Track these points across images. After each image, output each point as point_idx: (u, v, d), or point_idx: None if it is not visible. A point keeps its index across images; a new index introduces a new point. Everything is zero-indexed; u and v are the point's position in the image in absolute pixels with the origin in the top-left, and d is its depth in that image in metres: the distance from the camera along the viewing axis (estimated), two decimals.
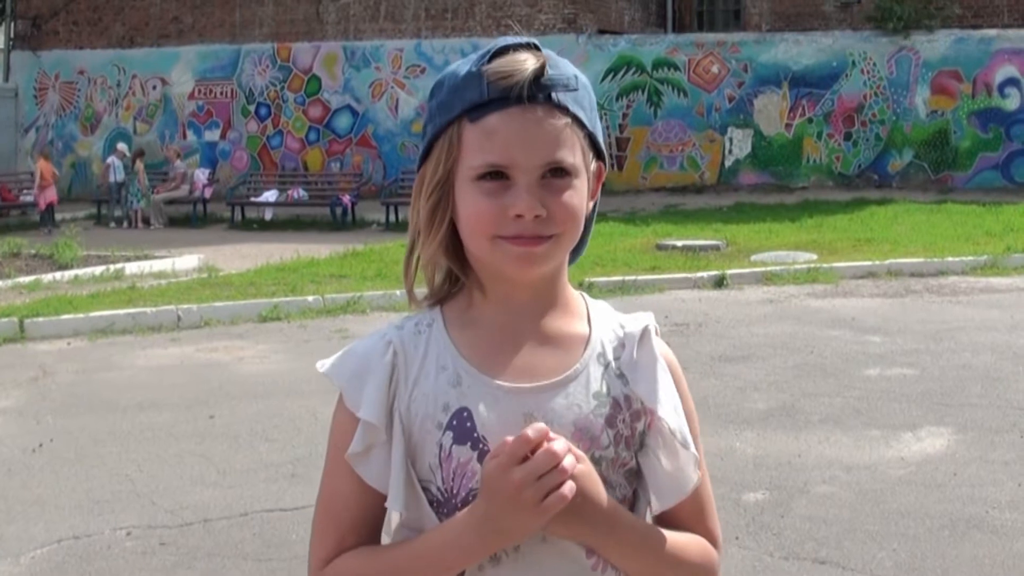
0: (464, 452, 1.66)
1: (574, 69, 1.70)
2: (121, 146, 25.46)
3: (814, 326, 10.81)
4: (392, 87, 27.13)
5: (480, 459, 1.64)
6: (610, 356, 1.74)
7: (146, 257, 16.73)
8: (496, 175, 1.64)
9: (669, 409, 1.72)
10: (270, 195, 24.43)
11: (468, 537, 1.61)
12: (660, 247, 16.44)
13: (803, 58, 24.87)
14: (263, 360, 10.07)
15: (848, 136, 24.66)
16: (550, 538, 1.65)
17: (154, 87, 29.07)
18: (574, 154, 1.67)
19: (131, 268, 15.60)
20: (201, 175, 25.24)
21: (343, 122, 27.53)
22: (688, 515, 1.76)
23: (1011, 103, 23.83)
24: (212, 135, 28.58)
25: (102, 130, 29.33)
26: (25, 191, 25.38)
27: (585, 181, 1.70)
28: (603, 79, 25.31)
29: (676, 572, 1.74)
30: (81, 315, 11.74)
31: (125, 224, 23.63)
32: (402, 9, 27.23)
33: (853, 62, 24.61)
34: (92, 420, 8.10)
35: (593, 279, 13.03)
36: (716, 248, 16.31)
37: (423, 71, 26.49)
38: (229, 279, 14.55)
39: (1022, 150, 23.68)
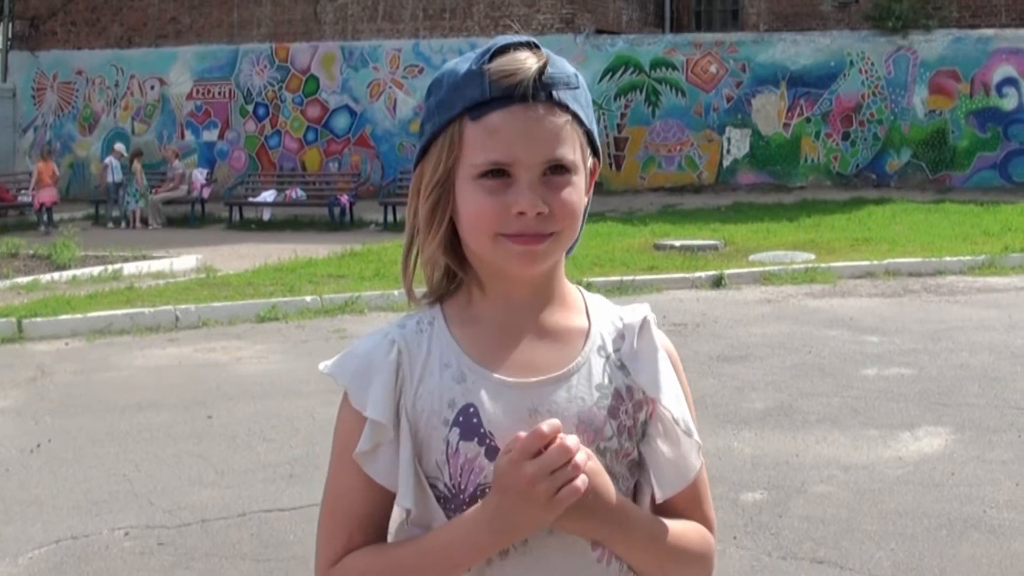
0: (471, 448, 1.67)
1: (572, 67, 1.72)
2: (118, 146, 25.45)
3: (812, 326, 10.82)
4: (390, 87, 27.13)
5: (487, 454, 1.66)
6: (610, 348, 1.76)
7: (144, 257, 16.72)
8: (498, 173, 1.65)
9: (671, 398, 1.74)
10: (268, 195, 24.42)
11: (479, 533, 1.63)
12: (658, 247, 16.44)
13: (801, 58, 24.87)
14: (261, 360, 10.07)
15: (846, 136, 24.67)
16: (557, 531, 1.66)
17: (152, 87, 29.06)
18: (574, 151, 1.69)
19: (129, 268, 15.60)
20: (199, 175, 25.22)
21: (341, 122, 27.53)
22: (687, 502, 1.79)
23: (1009, 103, 23.83)
24: (210, 135, 28.58)
25: (100, 130, 29.33)
26: (23, 191, 25.37)
27: (583, 178, 1.73)
28: (601, 79, 25.31)
29: (679, 561, 1.76)
30: (79, 315, 11.74)
31: (123, 224, 23.63)
32: (400, 9, 27.23)
33: (851, 62, 24.62)
34: (90, 420, 8.10)
35: (591, 279, 13.02)
36: (714, 248, 16.31)
37: (421, 71, 26.49)
38: (227, 279, 14.55)
39: (1020, 150, 23.69)
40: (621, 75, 25.61)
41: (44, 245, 17.38)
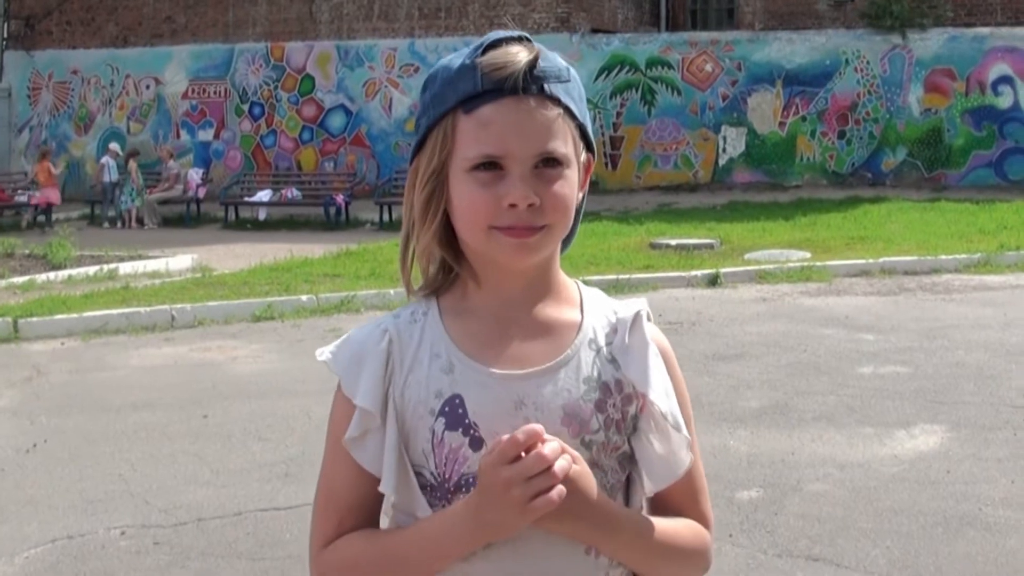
0: (456, 438, 1.69)
1: (564, 62, 1.73)
2: (113, 146, 25.45)
3: (807, 324, 10.82)
4: (386, 86, 27.12)
5: (472, 445, 1.68)
6: (602, 342, 1.77)
7: (140, 257, 16.70)
8: (490, 166, 1.67)
9: (660, 392, 1.74)
10: (264, 195, 24.42)
11: (461, 527, 1.65)
12: (654, 246, 16.44)
13: (796, 56, 24.88)
14: (257, 360, 10.07)
15: (842, 134, 24.67)
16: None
17: (147, 87, 29.05)
18: (566, 144, 1.70)
19: (125, 268, 15.59)
20: (195, 175, 25.21)
21: (337, 121, 27.52)
22: (681, 498, 1.79)
23: (1004, 101, 23.84)
24: (206, 135, 28.56)
25: (96, 130, 29.31)
26: (20, 191, 25.36)
27: (576, 171, 1.74)
28: (597, 78, 25.31)
29: (670, 558, 1.77)
30: (75, 315, 11.73)
31: (119, 224, 23.61)
32: (395, 8, 27.22)
33: (846, 60, 24.63)
34: (86, 420, 8.09)
35: (587, 278, 13.01)
36: (710, 247, 16.32)
37: (416, 70, 26.47)
38: (223, 279, 14.54)
39: (1015, 148, 23.70)
40: (617, 74, 25.62)
41: (40, 245, 17.36)
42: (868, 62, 24.54)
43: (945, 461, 6.60)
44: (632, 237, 17.46)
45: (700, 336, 10.37)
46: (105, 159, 24.70)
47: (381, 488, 1.72)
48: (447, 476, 1.70)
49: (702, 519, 1.82)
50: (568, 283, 1.83)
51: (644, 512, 1.79)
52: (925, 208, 20.18)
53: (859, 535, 5.51)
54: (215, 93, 28.48)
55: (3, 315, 11.71)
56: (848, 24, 25.76)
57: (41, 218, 23.55)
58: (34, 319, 11.57)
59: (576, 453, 1.64)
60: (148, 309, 12.03)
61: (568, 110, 1.71)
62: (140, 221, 23.65)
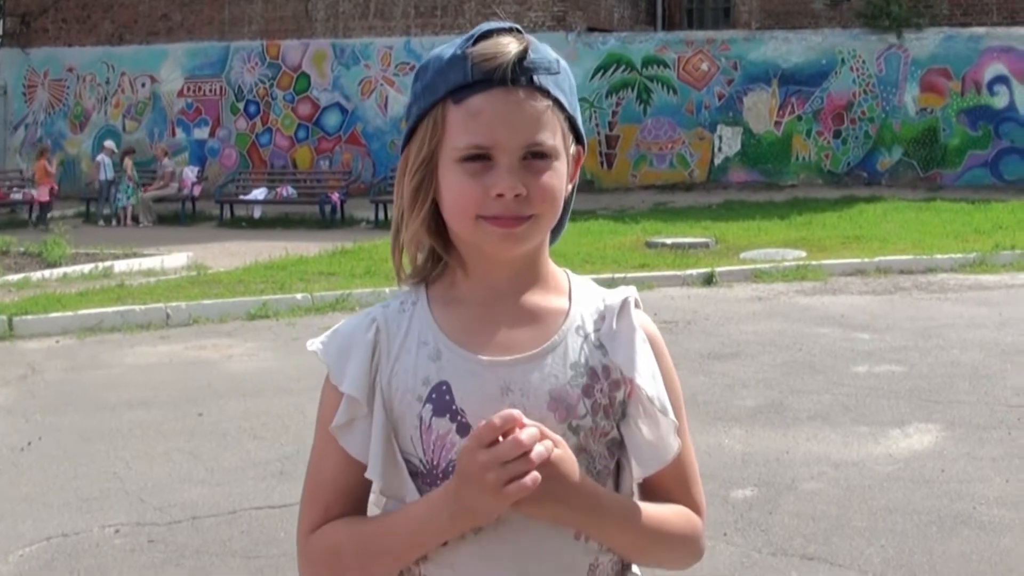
0: (443, 424, 1.71)
1: (555, 54, 1.74)
2: (108, 143, 25.44)
3: (803, 323, 10.83)
4: (381, 85, 27.12)
5: (459, 431, 1.70)
6: (589, 328, 1.78)
7: (135, 255, 16.70)
8: (479, 156, 1.68)
9: (647, 377, 1.75)
10: (259, 193, 24.41)
11: (441, 513, 1.66)
12: (649, 245, 16.45)
13: (792, 56, 24.89)
14: (251, 358, 10.06)
15: (837, 134, 24.69)
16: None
17: (143, 85, 29.03)
18: (554, 136, 1.71)
19: (120, 266, 15.58)
20: (190, 173, 25.22)
21: (332, 120, 27.52)
22: (671, 484, 1.80)
23: (1000, 101, 23.86)
24: (201, 133, 28.56)
25: (91, 128, 29.30)
26: (15, 189, 25.36)
27: (564, 163, 1.74)
28: (592, 77, 25.33)
29: (660, 544, 1.78)
30: (70, 313, 11.72)
31: (114, 222, 23.61)
32: (391, 7, 27.22)
33: (842, 60, 24.64)
34: (81, 418, 8.09)
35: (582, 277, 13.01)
36: (705, 246, 16.32)
37: (412, 69, 26.33)
38: (218, 277, 14.54)
39: (1011, 148, 23.72)
40: (612, 73, 25.62)
41: (35, 243, 17.34)
42: (864, 61, 24.56)
43: (940, 460, 6.61)
44: (628, 236, 17.45)
45: (695, 335, 10.38)
46: (101, 157, 24.70)
47: (367, 474, 1.74)
48: (435, 462, 1.72)
49: (694, 506, 1.82)
50: (557, 272, 1.84)
51: (636, 498, 1.80)
52: (921, 208, 20.19)
53: (854, 534, 5.51)
54: (211, 91, 28.47)
55: None
56: (844, 23, 25.77)
57: (55, 214, 23.57)
58: (29, 317, 11.56)
59: (558, 437, 1.65)
60: (143, 307, 12.02)
61: (557, 102, 1.71)
62: (135, 219, 23.65)
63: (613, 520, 1.72)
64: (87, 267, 15.35)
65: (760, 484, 6.28)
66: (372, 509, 1.81)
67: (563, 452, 1.65)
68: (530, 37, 1.71)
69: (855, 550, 5.31)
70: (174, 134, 28.59)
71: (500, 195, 1.67)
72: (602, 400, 1.74)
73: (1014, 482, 6.21)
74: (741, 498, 6.05)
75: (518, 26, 1.72)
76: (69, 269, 15.26)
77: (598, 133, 25.30)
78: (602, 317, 1.80)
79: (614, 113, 25.63)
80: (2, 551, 5.62)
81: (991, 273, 13.70)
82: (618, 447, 1.78)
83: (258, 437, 7.47)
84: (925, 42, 24.33)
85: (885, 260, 14.24)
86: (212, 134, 28.47)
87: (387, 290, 12.33)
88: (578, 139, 1.78)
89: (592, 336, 1.78)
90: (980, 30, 24.43)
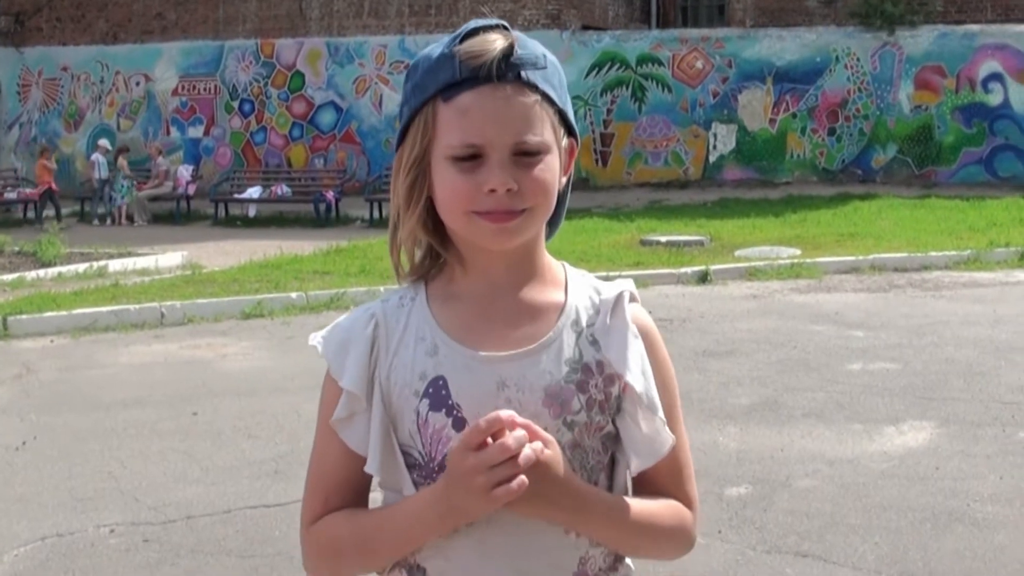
0: (439, 419, 1.73)
1: (543, 48, 1.75)
2: (103, 142, 25.42)
3: (797, 321, 10.84)
4: (376, 83, 27.10)
5: (455, 425, 1.72)
6: (584, 323, 1.80)
7: (129, 254, 16.68)
8: (470, 154, 1.69)
9: (637, 374, 1.76)
10: (254, 192, 24.40)
11: (431, 510, 1.70)
12: (644, 243, 16.45)
13: (787, 53, 24.90)
14: (246, 357, 10.06)
15: (832, 131, 24.70)
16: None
17: (137, 83, 28.99)
18: (544, 131, 1.72)
19: (114, 265, 15.56)
20: (184, 172, 25.20)
21: (327, 118, 27.50)
22: (665, 479, 1.82)
23: (994, 98, 23.88)
24: (195, 131, 28.52)
25: (85, 127, 29.25)
26: (8, 188, 25.33)
27: (556, 157, 1.75)
28: (587, 75, 25.30)
29: (650, 539, 1.81)
30: (64, 312, 11.71)
31: (108, 221, 23.60)
32: (385, 5, 27.20)
33: (837, 58, 24.64)
34: (75, 417, 8.08)
35: None
36: (700, 243, 16.33)
37: (407, 67, 26.19)
38: (212, 276, 14.54)
39: (1005, 145, 23.74)
40: (607, 71, 25.60)
41: (30, 242, 17.32)
42: (858, 59, 24.56)
43: (934, 457, 6.62)
44: (622, 234, 17.46)
45: (690, 333, 10.38)
46: (96, 156, 24.67)
47: (367, 468, 1.77)
48: (433, 456, 1.74)
49: (686, 499, 1.84)
50: (554, 264, 1.86)
51: (629, 492, 1.82)
52: (915, 205, 20.22)
53: (848, 531, 5.52)
54: (205, 90, 28.44)
55: None
56: (838, 21, 25.79)
57: (50, 213, 23.56)
58: (24, 316, 11.55)
59: (549, 436, 1.68)
60: (138, 306, 12.01)
61: (546, 96, 1.72)
62: (130, 218, 23.64)
63: (600, 517, 1.74)
64: (82, 266, 15.33)
65: (755, 481, 6.28)
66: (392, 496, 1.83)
67: (552, 453, 1.67)
68: (517, 33, 1.73)
69: (850, 547, 5.32)
70: (168, 133, 28.56)
71: (492, 191, 1.68)
72: (597, 395, 1.76)
73: (1008, 479, 6.22)
74: (736, 496, 6.06)
75: (505, 23, 1.73)
76: (64, 268, 15.25)
77: (593, 131, 25.30)
78: (597, 311, 1.81)
79: (609, 111, 25.62)
80: None
81: (985, 270, 13.72)
82: (613, 441, 1.80)
83: (253, 436, 7.47)
84: (919, 40, 24.33)
85: (880, 258, 14.25)
86: (207, 133, 28.43)
87: (382, 288, 12.31)
88: (570, 132, 1.79)
89: (586, 331, 1.79)
90: (974, 27, 24.45)
